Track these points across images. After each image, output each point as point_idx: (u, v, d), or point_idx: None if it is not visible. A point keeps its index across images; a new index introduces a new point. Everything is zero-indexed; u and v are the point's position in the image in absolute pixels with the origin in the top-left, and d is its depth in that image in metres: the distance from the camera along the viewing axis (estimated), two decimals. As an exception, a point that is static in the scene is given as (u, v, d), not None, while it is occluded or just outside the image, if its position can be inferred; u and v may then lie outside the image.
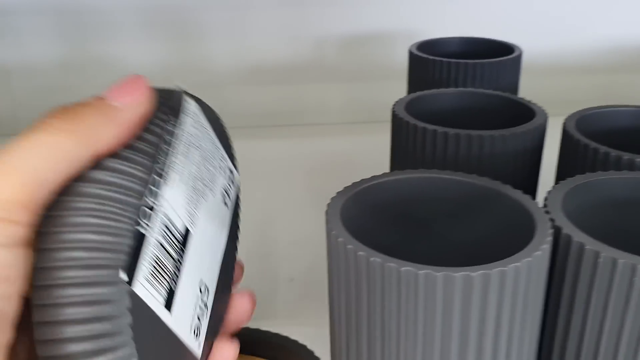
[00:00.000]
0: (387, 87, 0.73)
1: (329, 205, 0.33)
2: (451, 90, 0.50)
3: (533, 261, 0.28)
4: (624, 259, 0.28)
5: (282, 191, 0.71)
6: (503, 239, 0.33)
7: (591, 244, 0.29)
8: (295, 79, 0.87)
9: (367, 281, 0.29)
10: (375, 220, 0.35)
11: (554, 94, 0.72)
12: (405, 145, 0.44)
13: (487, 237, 0.35)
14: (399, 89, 0.65)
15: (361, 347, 0.30)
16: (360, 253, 0.28)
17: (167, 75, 0.87)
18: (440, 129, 0.42)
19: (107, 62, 0.85)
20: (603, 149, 0.39)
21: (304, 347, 0.43)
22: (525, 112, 0.46)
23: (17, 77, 0.85)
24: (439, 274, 0.27)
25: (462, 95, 0.50)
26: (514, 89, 0.60)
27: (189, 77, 0.87)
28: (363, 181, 0.35)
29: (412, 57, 0.61)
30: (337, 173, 0.70)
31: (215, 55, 0.86)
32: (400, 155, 0.45)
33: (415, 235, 0.37)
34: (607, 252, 0.29)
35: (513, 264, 0.27)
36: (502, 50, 0.61)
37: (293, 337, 0.43)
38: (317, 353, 0.42)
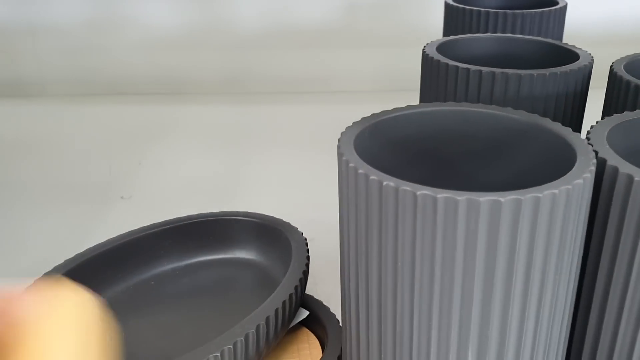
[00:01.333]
0: (413, 54, 0.69)
1: (342, 133, 0.29)
2: (487, 35, 0.46)
3: (573, 190, 0.24)
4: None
5: (306, 157, 0.68)
6: (539, 179, 0.29)
7: (639, 175, 0.25)
8: (325, 44, 0.84)
9: (379, 209, 0.25)
10: (394, 157, 0.32)
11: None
12: (436, 88, 0.41)
13: (522, 178, 0.31)
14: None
15: (371, 287, 0.27)
16: (373, 177, 0.25)
17: (193, 36, 0.84)
18: (473, 67, 0.38)
19: (132, 22, 0.83)
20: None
21: (319, 302, 0.40)
22: (569, 58, 0.42)
23: (42, 38, 0.83)
24: (462, 198, 0.23)
25: (498, 40, 0.46)
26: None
27: (215, 38, 0.84)
28: (383, 112, 0.32)
29: (448, 8, 0.57)
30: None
31: (242, 17, 0.83)
32: (430, 100, 0.41)
33: (439, 176, 0.33)
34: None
35: (549, 191, 0.23)
36: (545, 2, 0.57)
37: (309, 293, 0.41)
38: (332, 309, 0.40)
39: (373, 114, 0.32)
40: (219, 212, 0.45)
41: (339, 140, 0.29)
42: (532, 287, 0.25)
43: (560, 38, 0.57)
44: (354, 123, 0.31)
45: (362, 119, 0.31)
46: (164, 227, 0.43)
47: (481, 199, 0.23)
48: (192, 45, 0.84)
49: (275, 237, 0.42)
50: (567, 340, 0.29)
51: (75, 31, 0.83)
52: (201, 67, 0.85)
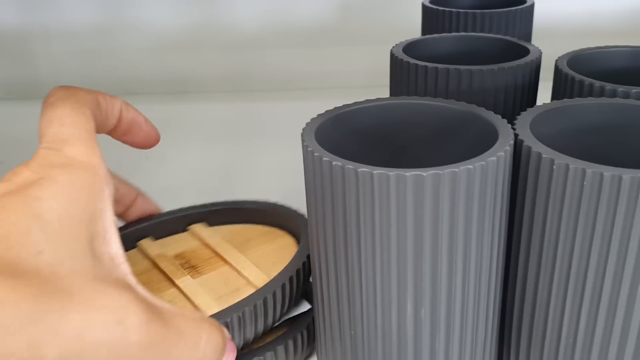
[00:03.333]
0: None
1: (306, 124, 0.35)
2: (449, 35, 0.51)
3: (487, 166, 0.29)
4: (575, 164, 0.29)
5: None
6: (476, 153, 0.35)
7: (547, 153, 0.30)
8: (321, 43, 0.89)
9: (331, 185, 0.30)
10: (354, 144, 0.37)
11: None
12: (400, 83, 0.46)
13: (461, 160, 0.36)
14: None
15: (328, 254, 0.32)
16: (325, 159, 0.30)
17: (196, 37, 0.90)
18: (430, 65, 0.43)
19: (140, 25, 0.89)
20: (588, 81, 0.40)
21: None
22: (522, 53, 0.47)
23: (56, 41, 0.89)
24: (392, 174, 0.28)
25: (461, 39, 0.51)
26: (527, 40, 0.60)
27: (217, 39, 0.90)
28: (343, 106, 0.37)
29: (425, 10, 0.62)
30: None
31: (242, 18, 0.88)
32: (397, 95, 0.47)
33: (393, 160, 0.38)
34: (560, 159, 0.30)
35: (465, 167, 0.29)
36: (515, 1, 0.62)
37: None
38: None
39: (335, 107, 0.37)
40: (233, 201, 0.49)
41: (302, 130, 0.34)
42: (457, 247, 0.30)
43: (529, 34, 0.61)
44: (318, 115, 0.36)
45: (325, 111, 0.36)
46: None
47: (407, 174, 0.28)
48: (194, 46, 0.90)
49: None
50: (497, 294, 0.34)
51: (87, 34, 0.89)
52: (204, 67, 0.91)
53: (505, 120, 0.34)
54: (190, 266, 0.42)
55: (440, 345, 0.32)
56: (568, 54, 0.46)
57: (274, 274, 0.38)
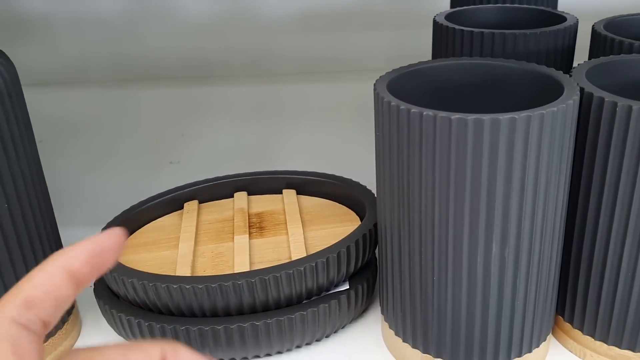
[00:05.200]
0: (430, 34, 0.76)
1: (377, 80, 0.37)
2: (488, 6, 0.54)
3: (558, 112, 0.32)
4: (638, 105, 0.32)
5: (328, 127, 0.75)
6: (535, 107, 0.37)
7: (610, 97, 0.33)
8: (341, 27, 0.91)
9: (408, 132, 0.33)
10: (416, 99, 0.39)
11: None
12: (445, 51, 0.48)
13: (520, 109, 0.39)
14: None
15: (413, 199, 0.34)
16: (402, 107, 0.33)
17: (222, 23, 0.92)
18: (476, 30, 0.46)
19: (167, 13, 0.91)
20: (627, 41, 0.43)
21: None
22: (559, 21, 0.49)
23: (86, 28, 0.91)
24: (470, 118, 0.31)
25: (498, 10, 0.53)
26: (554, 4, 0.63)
27: (242, 25, 0.92)
28: (408, 66, 0.39)
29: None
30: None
31: (266, 4, 0.91)
32: (441, 61, 0.49)
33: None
34: (622, 102, 0.32)
35: (539, 112, 0.31)
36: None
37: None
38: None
39: (401, 67, 0.39)
40: (324, 174, 0.50)
41: (374, 84, 0.36)
42: (539, 188, 0.32)
43: (555, 6, 0.64)
44: (386, 73, 0.38)
45: (393, 70, 0.39)
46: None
47: (485, 117, 0.31)
48: (220, 31, 0.92)
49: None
50: (562, 231, 0.36)
51: (115, 22, 0.91)
52: (229, 51, 0.93)
53: (566, 75, 0.36)
54: (259, 227, 0.45)
55: (520, 283, 0.34)
56: (603, 20, 0.49)
57: None
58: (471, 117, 0.31)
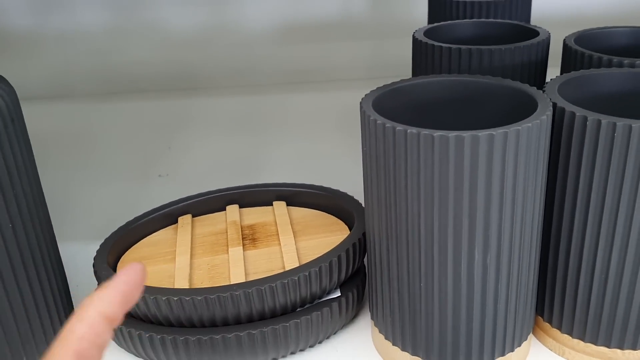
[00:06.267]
0: (406, 44, 0.79)
1: (362, 99, 0.39)
2: (464, 21, 0.56)
3: (532, 127, 0.34)
4: (606, 119, 0.34)
5: (313, 137, 0.77)
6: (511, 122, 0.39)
7: (580, 112, 0.35)
8: (323, 38, 0.94)
9: (393, 148, 0.35)
10: (399, 115, 0.41)
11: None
12: (425, 66, 0.51)
13: (497, 123, 0.41)
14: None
15: (400, 214, 0.36)
16: (388, 125, 0.35)
17: (205, 36, 0.94)
18: (454, 46, 0.48)
19: (150, 26, 0.92)
20: (596, 55, 0.45)
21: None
22: (531, 35, 0.52)
23: (70, 42, 0.92)
24: (451, 135, 0.33)
25: (474, 25, 0.56)
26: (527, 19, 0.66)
27: (226, 37, 0.94)
28: (391, 84, 0.41)
29: (431, 1, 0.67)
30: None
31: (249, 17, 0.93)
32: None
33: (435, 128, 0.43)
34: (592, 116, 0.35)
35: (514, 128, 0.33)
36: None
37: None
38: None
39: (385, 85, 0.41)
40: (314, 186, 0.52)
41: (360, 103, 0.38)
42: (517, 199, 0.35)
43: (528, 21, 0.67)
44: (371, 91, 0.40)
45: (377, 88, 0.41)
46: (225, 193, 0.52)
47: (465, 134, 0.33)
48: (203, 44, 0.94)
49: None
50: (539, 239, 0.39)
51: (99, 36, 0.92)
52: (212, 63, 0.95)
53: (539, 90, 0.39)
54: (252, 239, 0.47)
55: (502, 287, 0.37)
56: (574, 33, 0.51)
57: None
58: (452, 134, 0.33)
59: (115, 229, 0.48)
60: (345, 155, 0.71)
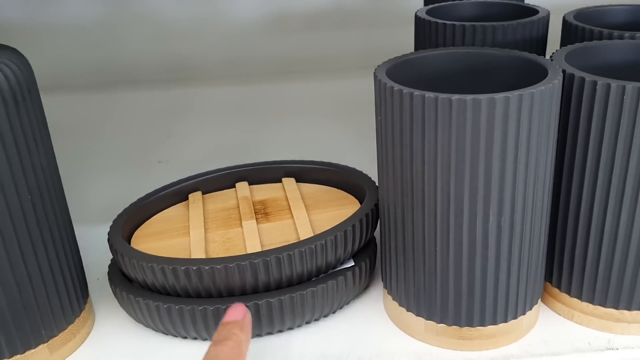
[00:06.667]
0: (402, 32, 0.80)
1: (376, 69, 0.40)
2: (465, 1, 0.57)
3: (545, 90, 0.35)
4: (615, 83, 0.35)
5: (308, 122, 0.78)
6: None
7: (590, 77, 0.36)
8: (316, 27, 0.94)
9: (411, 114, 0.36)
10: (412, 86, 0.42)
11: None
12: (429, 44, 0.52)
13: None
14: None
15: (416, 175, 0.37)
16: (405, 91, 0.36)
17: (199, 26, 0.94)
18: (458, 23, 0.49)
19: (143, 17, 0.93)
20: (596, 29, 0.47)
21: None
22: (532, 13, 0.53)
23: (64, 35, 0.92)
24: (468, 98, 0.34)
25: (474, 5, 0.57)
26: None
27: (219, 27, 0.94)
28: (402, 56, 0.42)
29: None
30: (356, 111, 0.77)
31: (240, 7, 0.93)
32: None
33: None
34: (602, 80, 0.36)
35: (529, 91, 0.34)
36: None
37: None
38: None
39: (395, 57, 0.42)
40: (322, 162, 0.53)
41: (374, 72, 0.39)
42: (530, 161, 0.36)
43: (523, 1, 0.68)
44: (383, 62, 0.41)
45: (389, 59, 0.42)
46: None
47: (482, 97, 0.34)
48: (196, 35, 0.94)
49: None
50: (549, 200, 0.40)
51: (91, 28, 0.92)
52: (206, 54, 0.95)
53: (548, 59, 0.40)
54: (264, 213, 0.47)
55: (515, 249, 0.38)
56: (573, 10, 0.53)
57: None
58: (469, 97, 0.34)
59: (120, 211, 0.49)
60: (343, 137, 0.72)
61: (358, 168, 0.51)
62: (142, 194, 0.50)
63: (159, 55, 0.94)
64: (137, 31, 0.93)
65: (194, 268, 0.39)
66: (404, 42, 0.77)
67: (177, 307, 0.41)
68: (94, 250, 0.52)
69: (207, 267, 0.39)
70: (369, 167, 0.51)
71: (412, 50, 0.58)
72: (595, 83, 0.36)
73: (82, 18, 0.92)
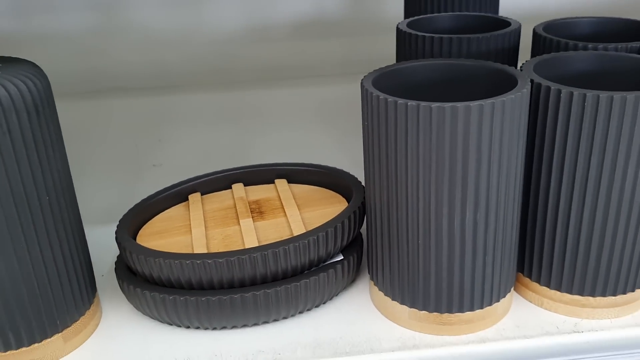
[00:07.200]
0: (382, 41, 0.84)
1: (363, 79, 0.44)
2: (442, 14, 0.62)
3: (515, 98, 0.39)
4: (577, 91, 0.39)
5: (294, 127, 0.82)
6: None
7: (555, 86, 0.41)
8: (299, 36, 0.98)
9: (395, 121, 0.40)
10: (394, 95, 0.46)
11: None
12: (409, 55, 0.56)
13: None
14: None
15: (391, 178, 0.41)
16: (390, 99, 0.40)
17: (185, 36, 0.97)
18: (436, 35, 0.53)
19: (132, 27, 0.96)
20: (563, 41, 0.51)
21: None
22: (504, 25, 0.58)
23: (52, 44, 0.95)
24: (447, 106, 0.38)
25: (450, 18, 0.61)
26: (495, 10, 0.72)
27: (205, 36, 0.98)
28: (386, 67, 0.46)
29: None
30: (339, 115, 0.81)
31: (225, 16, 0.97)
32: (405, 63, 0.56)
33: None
34: (565, 89, 0.40)
35: (501, 99, 0.39)
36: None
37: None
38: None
39: (380, 67, 0.46)
40: (312, 164, 0.57)
41: (361, 82, 0.43)
42: (503, 163, 0.40)
43: (496, 13, 0.72)
44: (369, 73, 0.45)
45: (374, 70, 0.46)
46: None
47: (459, 105, 0.38)
48: (182, 43, 0.97)
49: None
50: (520, 199, 0.44)
51: (81, 37, 0.95)
52: (193, 62, 0.99)
53: (518, 69, 0.44)
54: (259, 212, 0.51)
55: (489, 242, 0.42)
56: (542, 23, 0.57)
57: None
58: (448, 105, 0.38)
59: (119, 213, 0.52)
60: (327, 140, 0.76)
61: (340, 168, 0.55)
62: (140, 197, 0.54)
63: (148, 63, 0.98)
64: (126, 40, 0.96)
65: (198, 262, 0.43)
66: (384, 51, 0.82)
67: (181, 298, 0.44)
68: (95, 249, 0.55)
69: (210, 261, 0.43)
70: (352, 167, 0.55)
71: (392, 58, 0.62)
72: (559, 91, 0.40)
73: (73, 28, 0.95)
